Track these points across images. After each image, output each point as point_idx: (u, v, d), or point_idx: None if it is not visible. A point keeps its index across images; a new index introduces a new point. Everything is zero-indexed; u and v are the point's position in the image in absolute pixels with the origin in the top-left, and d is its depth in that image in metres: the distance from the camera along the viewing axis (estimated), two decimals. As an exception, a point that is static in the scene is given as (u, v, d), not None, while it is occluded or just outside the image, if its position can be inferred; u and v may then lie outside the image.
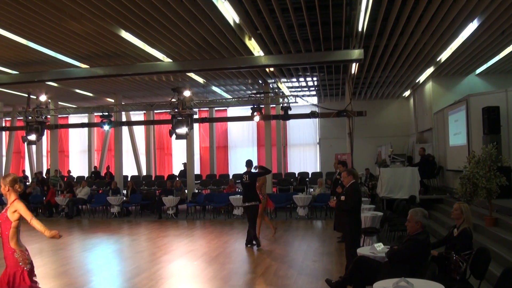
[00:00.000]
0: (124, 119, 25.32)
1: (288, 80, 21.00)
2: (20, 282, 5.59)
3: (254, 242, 12.24)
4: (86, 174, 27.13)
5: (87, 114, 27.49)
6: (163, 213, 18.90)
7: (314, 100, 25.59)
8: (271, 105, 22.35)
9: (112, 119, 21.41)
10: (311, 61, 15.17)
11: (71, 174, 26.82)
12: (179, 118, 16.08)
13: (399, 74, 19.00)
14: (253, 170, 12.62)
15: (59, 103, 24.39)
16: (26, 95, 19.30)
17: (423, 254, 6.21)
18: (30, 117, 18.89)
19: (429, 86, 20.19)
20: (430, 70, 18.22)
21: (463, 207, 6.96)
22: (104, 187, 23.30)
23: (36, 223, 5.62)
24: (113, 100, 23.50)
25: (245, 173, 12.52)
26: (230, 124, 28.11)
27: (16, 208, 5.60)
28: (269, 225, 14.10)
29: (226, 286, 8.62)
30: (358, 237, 8.51)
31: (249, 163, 12.61)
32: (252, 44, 13.99)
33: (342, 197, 8.41)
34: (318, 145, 27.43)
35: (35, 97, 19.18)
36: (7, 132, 26.81)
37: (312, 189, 20.91)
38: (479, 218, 11.01)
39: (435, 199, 15.96)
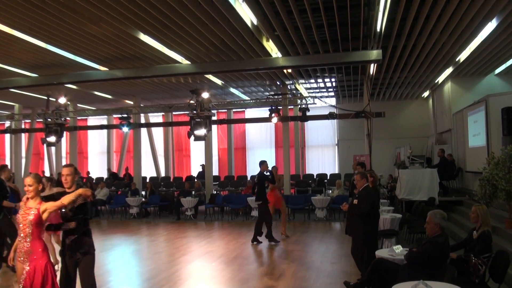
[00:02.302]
0: (143, 120, 25.46)
1: (306, 81, 20.97)
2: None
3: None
4: (105, 176, 27.31)
5: (106, 116, 27.68)
6: (181, 214, 19.00)
7: (332, 101, 25.51)
8: (289, 107, 22.32)
9: (131, 121, 21.52)
10: (329, 62, 15.11)
11: (90, 175, 27.00)
12: (197, 120, 16.13)
13: (417, 75, 18.87)
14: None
15: (78, 105, 24.57)
16: (46, 98, 19.47)
17: (442, 257, 6.17)
18: (49, 119, 19.07)
19: (448, 86, 20.03)
20: (449, 70, 18.08)
21: (479, 210, 6.91)
22: (123, 188, 23.46)
23: None
24: (132, 102, 23.65)
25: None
26: (248, 126, 28.11)
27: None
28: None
29: (244, 288, 8.64)
30: (373, 241, 8.39)
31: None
32: (270, 46, 13.99)
33: (355, 201, 8.29)
34: (336, 147, 27.31)
35: (54, 99, 19.34)
36: (27, 133, 27.07)
37: (330, 191, 20.87)
38: (499, 221, 10.90)
39: (454, 201, 15.86)
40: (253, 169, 26.88)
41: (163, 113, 27.81)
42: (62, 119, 19.68)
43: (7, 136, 29.08)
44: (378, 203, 8.82)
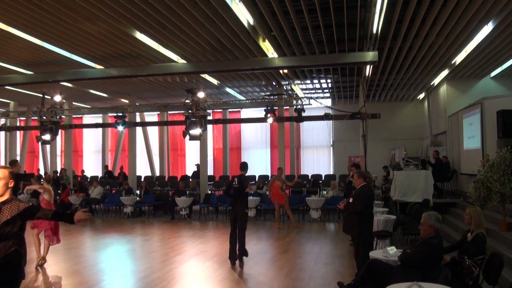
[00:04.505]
0: (138, 119, 25.43)
1: (302, 82, 20.97)
2: None
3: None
4: (100, 174, 27.25)
5: (101, 115, 27.65)
6: (176, 214, 18.96)
7: (328, 102, 25.52)
8: (285, 107, 22.32)
9: (126, 119, 21.48)
10: (325, 63, 15.13)
11: (84, 174, 26.94)
12: (192, 119, 16.10)
13: (413, 77, 18.90)
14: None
15: (74, 103, 24.52)
16: (41, 95, 19.41)
17: (436, 258, 6.17)
18: (44, 117, 19.00)
19: (443, 88, 20.08)
20: (445, 72, 18.12)
21: (473, 212, 6.93)
22: (117, 187, 23.41)
23: None
24: (127, 101, 23.60)
25: (237, 176, 11.22)
26: (243, 126, 28.12)
27: None
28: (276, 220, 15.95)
29: (238, 288, 8.63)
30: (369, 241, 8.42)
31: (243, 167, 11.33)
32: (266, 46, 13.99)
33: (350, 199, 8.35)
34: (331, 147, 27.36)
35: (49, 97, 19.29)
36: (22, 131, 27.00)
37: (325, 192, 20.83)
38: (493, 223, 10.93)
39: (448, 203, 15.87)
40: (248, 170, 26.80)
41: (159, 112, 27.74)
42: (57, 117, 19.58)
43: (2, 134, 28.97)
44: (372, 203, 8.84)
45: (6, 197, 4.74)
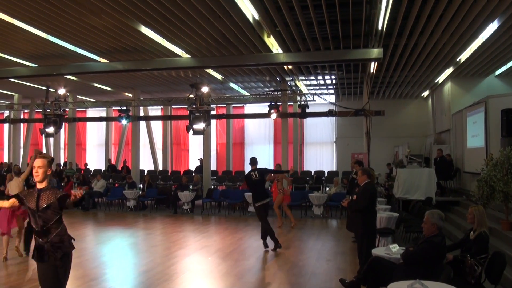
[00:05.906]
0: (142, 113, 25.42)
1: (306, 78, 20.94)
2: None
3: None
4: (103, 168, 27.28)
5: (105, 108, 27.65)
6: (178, 208, 19.00)
7: (332, 98, 25.50)
8: (289, 103, 22.30)
9: (130, 113, 21.51)
10: (329, 59, 15.09)
11: (88, 167, 26.96)
12: (196, 114, 16.12)
13: (418, 74, 18.86)
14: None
15: (78, 96, 24.55)
16: (45, 88, 19.43)
17: (439, 257, 6.16)
18: (48, 110, 19.04)
19: (448, 86, 20.02)
20: (449, 70, 18.06)
21: (476, 211, 6.92)
22: (120, 180, 23.44)
23: None
24: (131, 95, 23.61)
25: (253, 170, 11.71)
26: (247, 121, 28.09)
27: None
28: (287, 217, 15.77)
29: (240, 283, 8.63)
30: (371, 238, 8.40)
31: (254, 161, 11.86)
32: (271, 41, 13.96)
33: (354, 197, 8.34)
34: (335, 144, 27.32)
35: (53, 90, 19.31)
36: (25, 124, 27.05)
37: (328, 188, 20.81)
38: (496, 222, 10.90)
39: (451, 201, 15.85)
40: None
41: (162, 107, 27.80)
42: (61, 110, 19.65)
43: (6, 126, 29.06)
44: (375, 200, 8.83)
45: (44, 184, 5.12)
